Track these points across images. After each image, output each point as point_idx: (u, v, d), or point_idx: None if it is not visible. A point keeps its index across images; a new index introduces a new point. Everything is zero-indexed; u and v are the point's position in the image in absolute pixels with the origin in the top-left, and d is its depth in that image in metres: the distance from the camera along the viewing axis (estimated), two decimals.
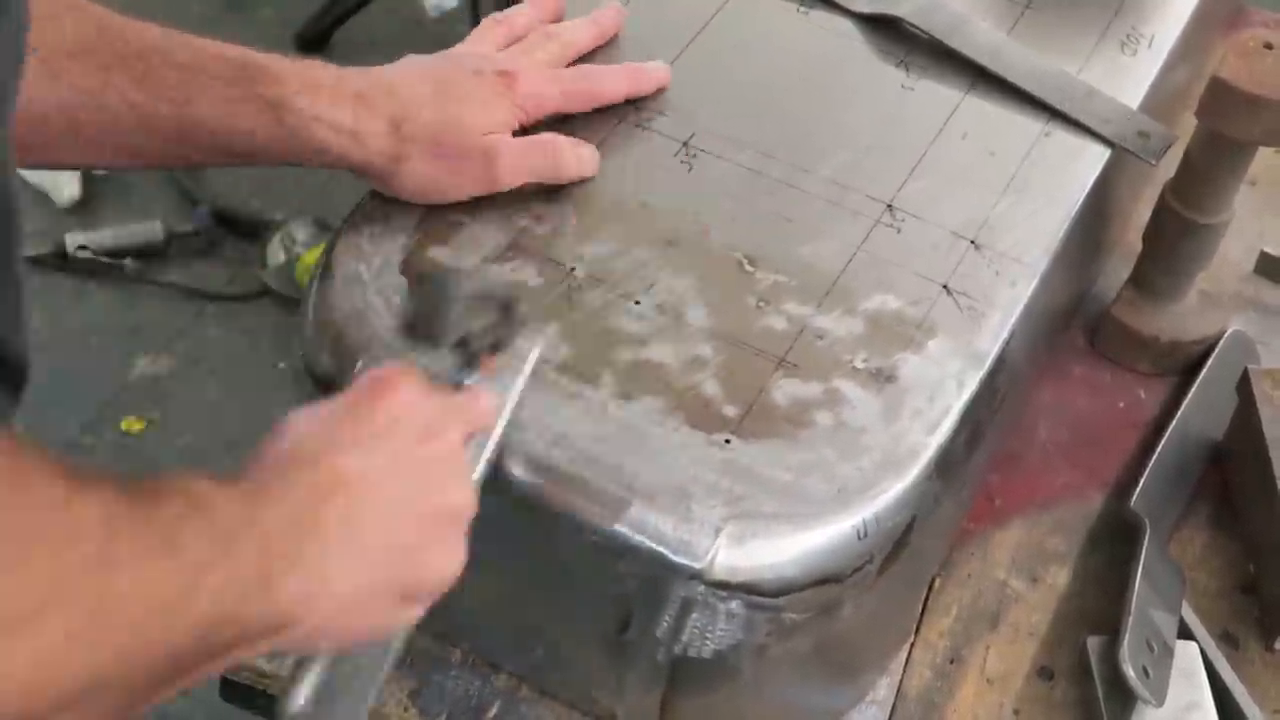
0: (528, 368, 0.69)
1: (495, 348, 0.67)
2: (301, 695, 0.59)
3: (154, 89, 0.74)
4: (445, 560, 0.61)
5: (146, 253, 2.15)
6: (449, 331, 0.65)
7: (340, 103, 0.76)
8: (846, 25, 0.93)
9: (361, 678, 0.62)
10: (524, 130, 0.82)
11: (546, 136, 0.82)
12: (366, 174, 0.79)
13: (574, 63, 0.87)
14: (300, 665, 0.59)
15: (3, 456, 0.45)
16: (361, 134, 0.77)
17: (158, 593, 0.49)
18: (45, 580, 0.45)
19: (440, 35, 2.47)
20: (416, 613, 0.61)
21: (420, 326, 0.67)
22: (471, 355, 0.66)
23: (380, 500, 0.58)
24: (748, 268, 0.79)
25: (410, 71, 0.81)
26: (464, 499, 0.62)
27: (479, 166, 0.79)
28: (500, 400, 0.66)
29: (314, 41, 2.45)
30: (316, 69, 0.78)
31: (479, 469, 0.65)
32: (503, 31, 0.86)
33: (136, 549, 0.48)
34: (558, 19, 0.89)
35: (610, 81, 0.86)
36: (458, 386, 0.66)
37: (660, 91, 0.87)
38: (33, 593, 0.44)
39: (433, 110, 0.78)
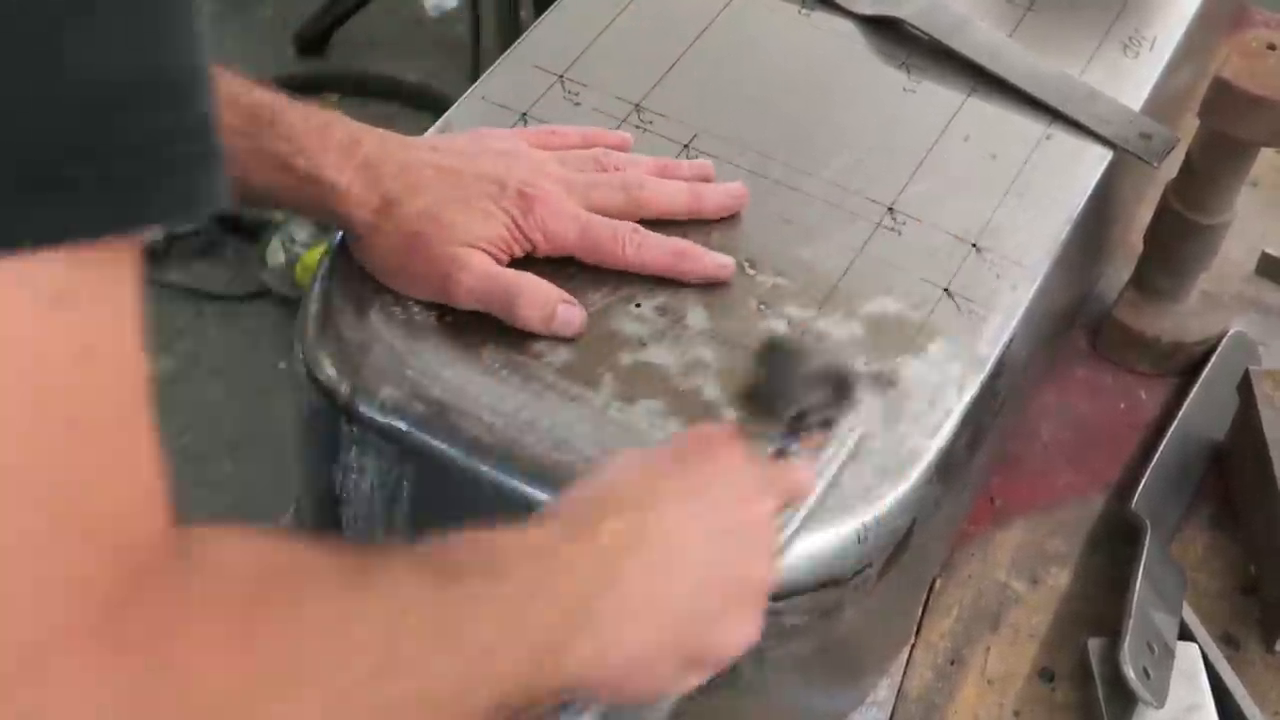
0: (847, 449, 0.67)
1: (825, 425, 0.65)
2: None
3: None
4: (739, 631, 0.58)
5: (146, 253, 2.15)
6: (790, 406, 0.64)
7: (344, 168, 0.74)
8: (848, 27, 0.93)
9: None
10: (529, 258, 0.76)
11: (515, 281, 0.74)
12: (345, 231, 0.77)
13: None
14: (569, 710, 0.57)
15: (279, 570, 0.42)
16: (352, 199, 0.74)
17: (441, 689, 0.47)
18: (329, 698, 0.42)
19: (440, 35, 2.47)
20: (699, 679, 0.59)
21: (764, 397, 0.66)
22: (802, 429, 0.64)
23: (687, 561, 0.56)
24: (748, 270, 0.79)
25: (435, 154, 0.76)
26: (767, 571, 0.60)
27: (438, 275, 0.73)
28: (816, 478, 0.65)
29: (314, 41, 2.45)
30: (333, 127, 0.74)
31: (781, 544, 0.62)
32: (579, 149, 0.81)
33: (424, 648, 0.46)
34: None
35: (653, 253, 0.77)
36: (778, 454, 0.64)
37: (729, 218, 0.81)
38: (312, 713, 0.42)
39: (428, 203, 0.74)
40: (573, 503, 0.57)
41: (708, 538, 0.57)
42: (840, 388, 0.66)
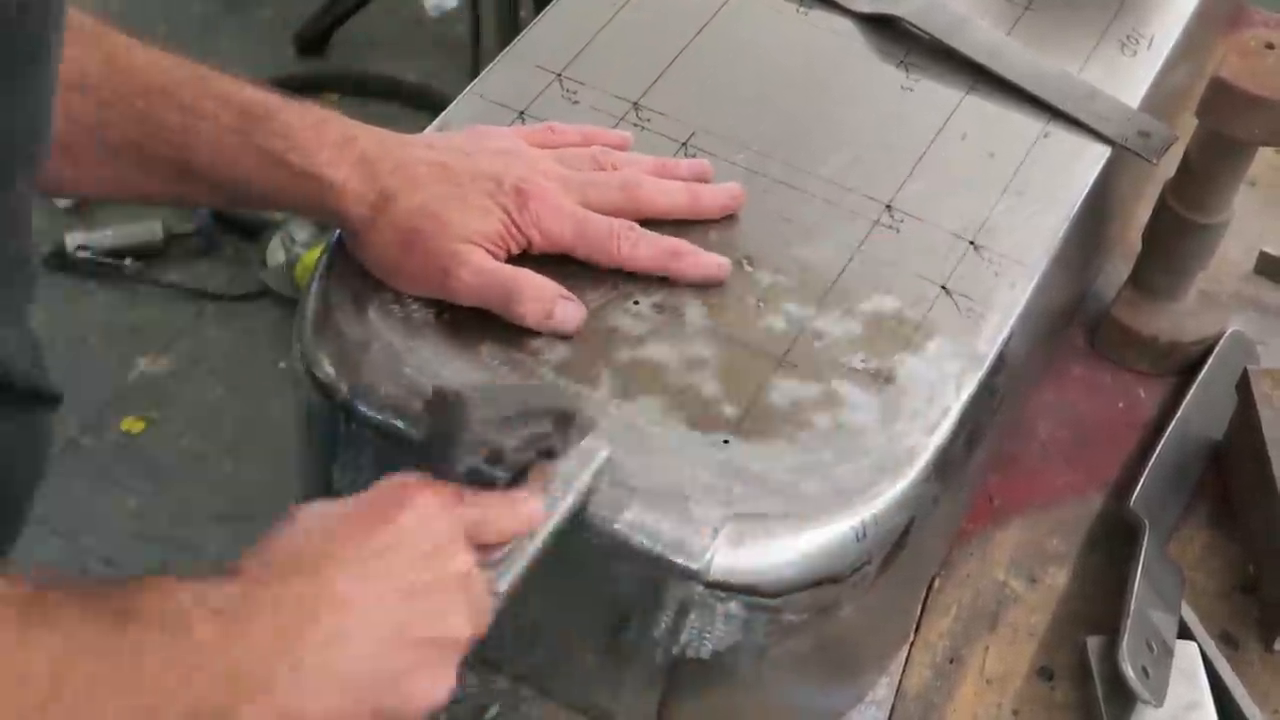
0: (587, 474, 0.66)
1: (548, 455, 0.65)
2: None
3: (154, 129, 0.73)
4: (430, 688, 0.59)
5: (146, 253, 2.16)
6: (462, 455, 0.62)
7: (339, 164, 0.74)
8: (846, 25, 0.93)
9: None
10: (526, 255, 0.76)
11: (514, 277, 0.74)
12: (342, 228, 0.77)
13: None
14: None
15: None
16: (349, 196, 0.74)
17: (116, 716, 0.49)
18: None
19: (440, 35, 2.47)
20: None
21: (435, 448, 0.63)
22: (516, 465, 0.63)
23: (369, 626, 0.56)
24: (746, 267, 0.79)
25: (431, 151, 0.76)
26: (462, 628, 0.59)
27: (436, 271, 0.73)
28: (546, 509, 0.64)
29: (314, 41, 2.45)
30: (329, 123, 0.75)
31: (509, 578, 0.62)
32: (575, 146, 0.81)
33: (90, 688, 0.48)
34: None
35: (649, 251, 0.77)
36: (481, 483, 0.63)
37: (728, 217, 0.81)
38: None
39: (425, 199, 0.74)
40: (255, 564, 0.57)
41: (390, 600, 0.57)
42: (558, 420, 0.64)
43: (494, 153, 0.77)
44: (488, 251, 0.74)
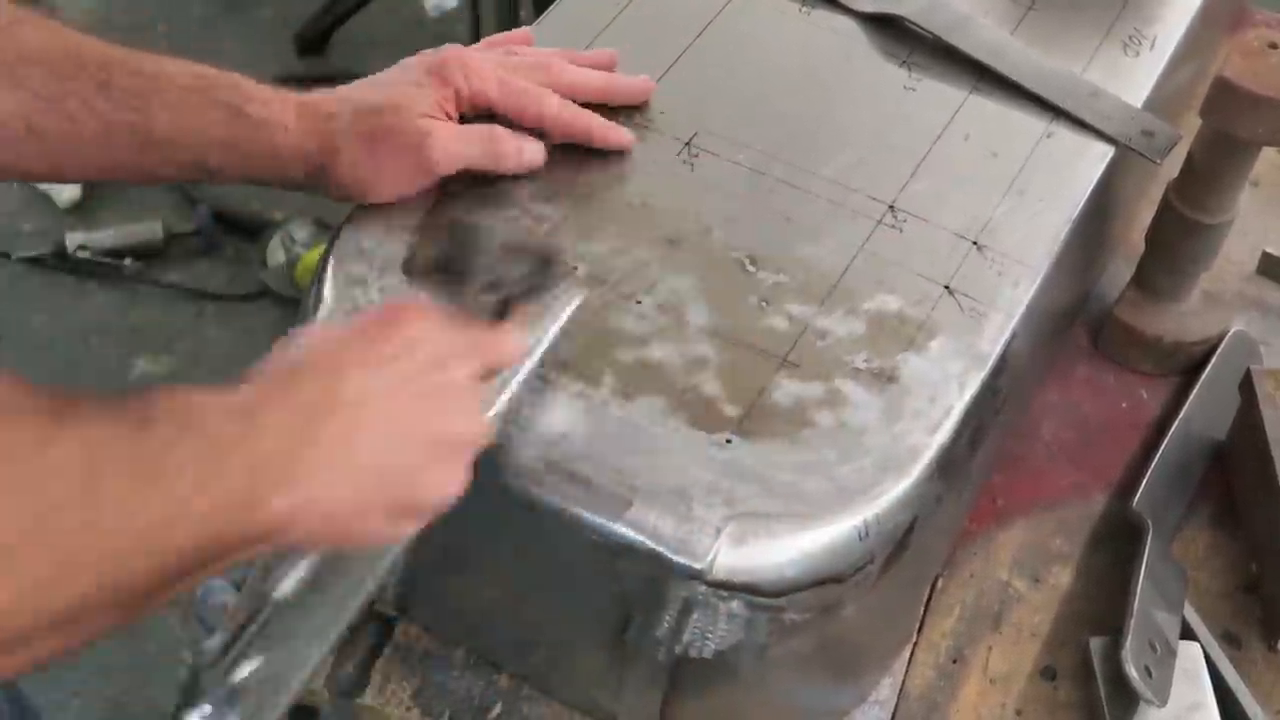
0: (564, 314, 0.70)
1: (529, 295, 0.68)
2: (287, 584, 0.59)
3: (115, 95, 0.75)
4: (443, 482, 0.62)
5: (146, 253, 2.15)
6: (476, 276, 0.66)
7: (286, 107, 0.77)
8: (849, 25, 0.93)
9: (350, 580, 0.62)
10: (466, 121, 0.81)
11: (485, 125, 0.80)
12: (315, 181, 0.79)
13: None
14: (288, 556, 0.60)
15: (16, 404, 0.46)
16: (298, 131, 0.77)
17: (143, 523, 0.50)
18: (26, 518, 0.46)
19: (441, 35, 2.47)
20: (410, 529, 0.62)
21: (449, 268, 0.67)
22: (503, 302, 0.67)
23: (380, 420, 0.59)
24: (749, 267, 0.78)
25: (360, 80, 0.81)
26: (470, 429, 0.63)
27: (411, 150, 0.77)
28: (529, 342, 0.68)
29: (314, 41, 2.45)
30: (272, 88, 0.78)
31: (497, 405, 0.66)
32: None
33: (121, 481, 0.50)
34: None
35: (568, 114, 0.82)
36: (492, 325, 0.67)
37: (643, 105, 0.85)
38: (10, 531, 0.46)
39: (363, 94, 0.78)
40: (266, 374, 0.59)
41: (401, 398, 0.60)
42: (541, 262, 0.69)
43: (419, 56, 0.82)
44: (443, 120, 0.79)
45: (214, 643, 0.57)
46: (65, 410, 0.50)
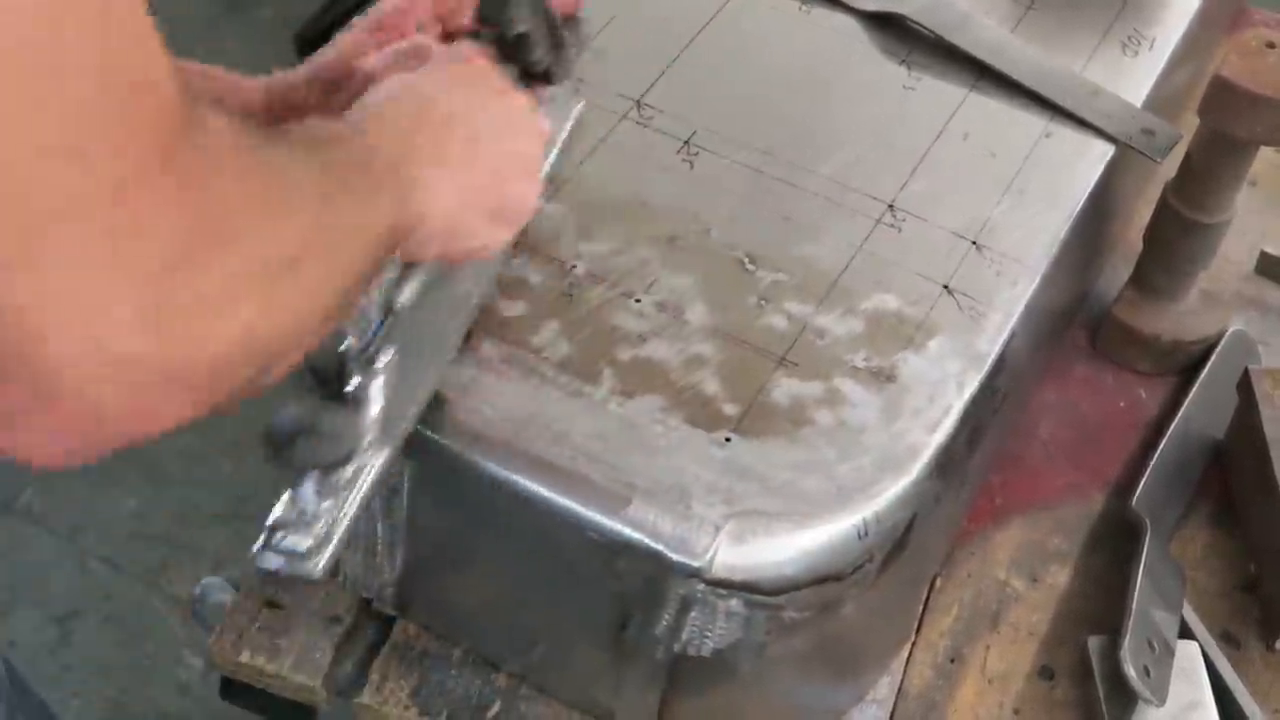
0: (574, 115, 0.77)
1: (548, 77, 0.71)
2: (406, 292, 0.66)
3: None
4: (524, 192, 0.69)
5: None
6: (514, 23, 0.69)
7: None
8: (848, 24, 0.93)
9: (457, 290, 0.71)
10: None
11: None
12: None
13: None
14: (408, 268, 0.66)
15: (228, 133, 0.49)
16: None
17: (355, 217, 0.56)
18: (300, 221, 0.51)
19: None
20: (505, 235, 0.68)
21: (489, 10, 0.70)
22: (530, 71, 0.70)
23: (467, 133, 0.65)
24: (748, 266, 0.79)
25: None
26: (537, 149, 0.70)
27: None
28: (554, 125, 0.73)
29: (314, 41, 2.44)
30: None
31: (545, 166, 0.72)
32: None
33: (334, 188, 0.54)
34: None
35: None
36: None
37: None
38: (297, 234, 0.50)
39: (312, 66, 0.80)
40: (357, 111, 0.64)
41: (477, 115, 0.66)
42: (559, 42, 0.72)
43: None
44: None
45: (352, 341, 0.63)
46: (282, 135, 0.55)
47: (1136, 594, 0.83)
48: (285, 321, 0.50)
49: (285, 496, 0.64)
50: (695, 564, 0.67)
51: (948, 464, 0.73)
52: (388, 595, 0.81)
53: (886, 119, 0.88)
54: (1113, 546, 0.91)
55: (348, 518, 0.63)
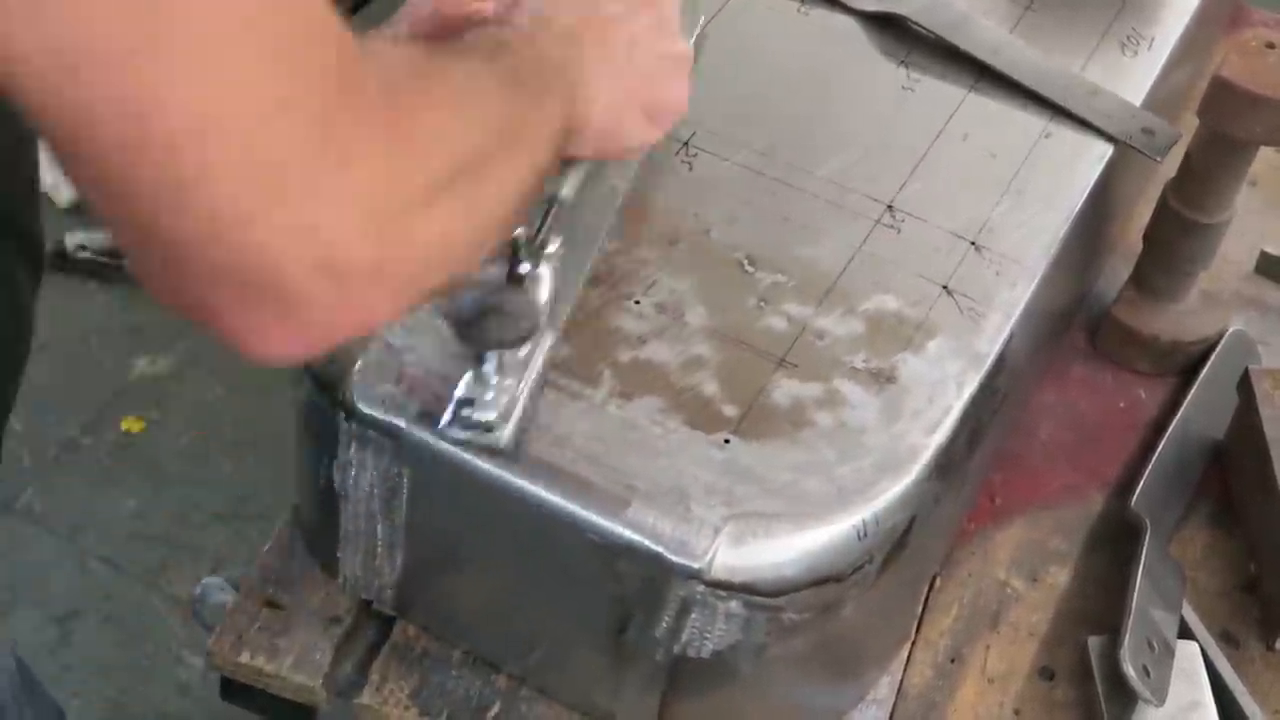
0: (700, 23, 0.83)
1: None
2: (569, 185, 0.71)
3: None
4: (677, 91, 0.74)
5: None
6: None
7: None
8: (847, 25, 0.93)
9: (608, 185, 0.78)
10: None
11: None
12: None
13: None
14: (569, 164, 0.71)
15: (400, 54, 0.55)
16: None
17: (532, 118, 0.60)
18: (486, 125, 0.55)
19: None
20: (657, 133, 0.73)
21: None
22: None
23: (623, 36, 0.70)
24: (748, 267, 0.79)
25: None
26: (684, 49, 0.75)
27: None
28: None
29: None
30: None
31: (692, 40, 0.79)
32: None
33: (511, 92, 0.59)
34: None
35: None
36: None
37: None
38: (485, 137, 0.55)
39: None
40: (518, 20, 0.67)
41: (631, 25, 0.71)
42: None
43: None
44: None
45: (523, 231, 0.68)
46: (457, 49, 0.60)
47: (1136, 594, 0.83)
48: (479, 218, 0.54)
49: (468, 375, 0.69)
50: (695, 565, 0.67)
51: (947, 465, 0.74)
52: (387, 597, 0.81)
53: (885, 120, 0.88)
54: (1113, 546, 0.91)
55: (525, 394, 0.69)
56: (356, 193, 0.47)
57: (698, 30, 0.84)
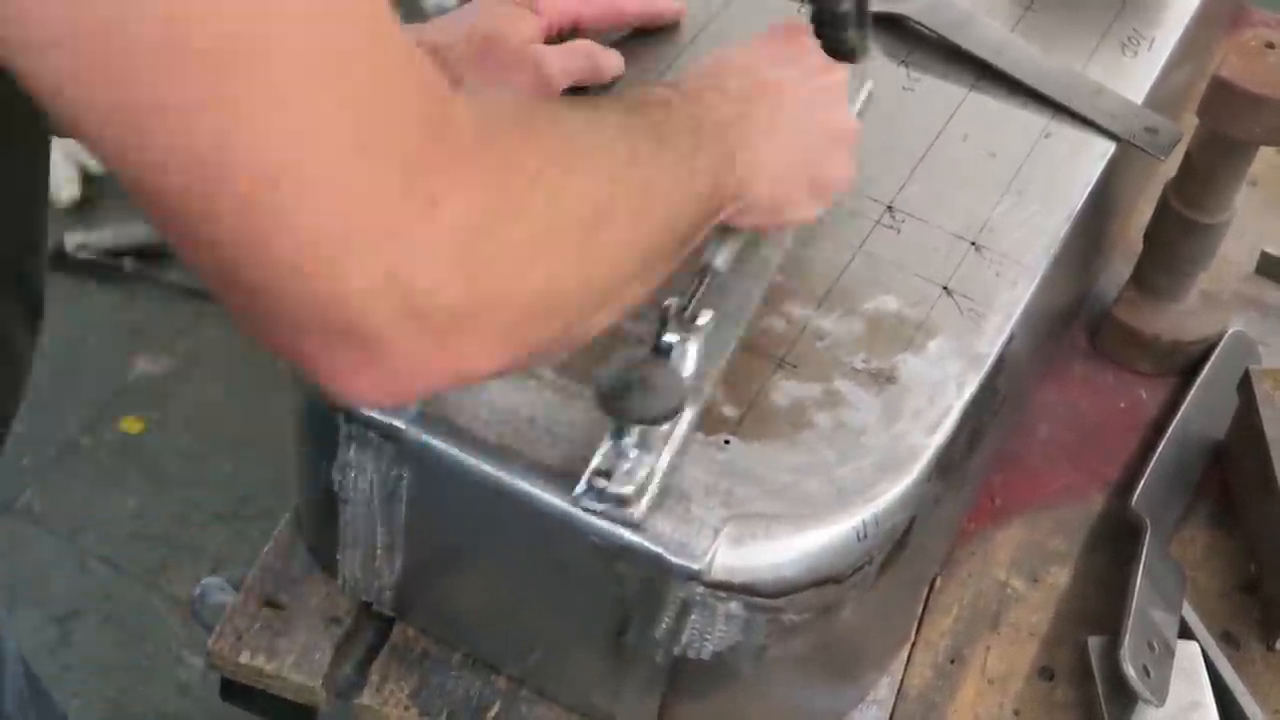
0: (867, 89, 0.84)
1: (852, 55, 0.71)
2: (723, 255, 0.71)
3: None
4: (842, 167, 0.73)
5: (146, 253, 2.15)
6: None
7: None
8: None
9: (762, 255, 0.77)
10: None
11: (582, 41, 0.85)
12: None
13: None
14: (725, 233, 0.70)
15: (505, 103, 0.54)
16: None
17: (671, 175, 0.59)
18: (606, 177, 0.54)
19: None
20: (820, 207, 0.73)
21: None
22: (835, 51, 0.71)
23: (795, 104, 0.70)
24: None
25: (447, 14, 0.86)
26: (852, 123, 0.74)
27: (530, 72, 0.81)
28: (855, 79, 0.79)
29: None
30: None
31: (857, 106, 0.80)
32: None
33: (649, 147, 0.58)
34: None
35: (631, 3, 0.89)
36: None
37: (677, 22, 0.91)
38: (602, 189, 0.53)
39: (468, 31, 0.82)
40: (694, 76, 0.69)
41: (806, 89, 0.71)
42: (863, 10, 0.70)
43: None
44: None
45: (674, 300, 0.68)
46: (586, 101, 0.64)
47: (1136, 594, 0.83)
48: (594, 273, 0.53)
49: (606, 445, 0.68)
50: (695, 566, 0.67)
51: (947, 465, 0.73)
52: (387, 598, 0.81)
53: (885, 120, 0.87)
54: (1113, 546, 0.91)
55: (662, 469, 0.68)
56: (444, 238, 0.45)
57: (863, 97, 0.84)
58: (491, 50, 0.81)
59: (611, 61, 0.86)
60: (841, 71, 0.73)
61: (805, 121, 0.70)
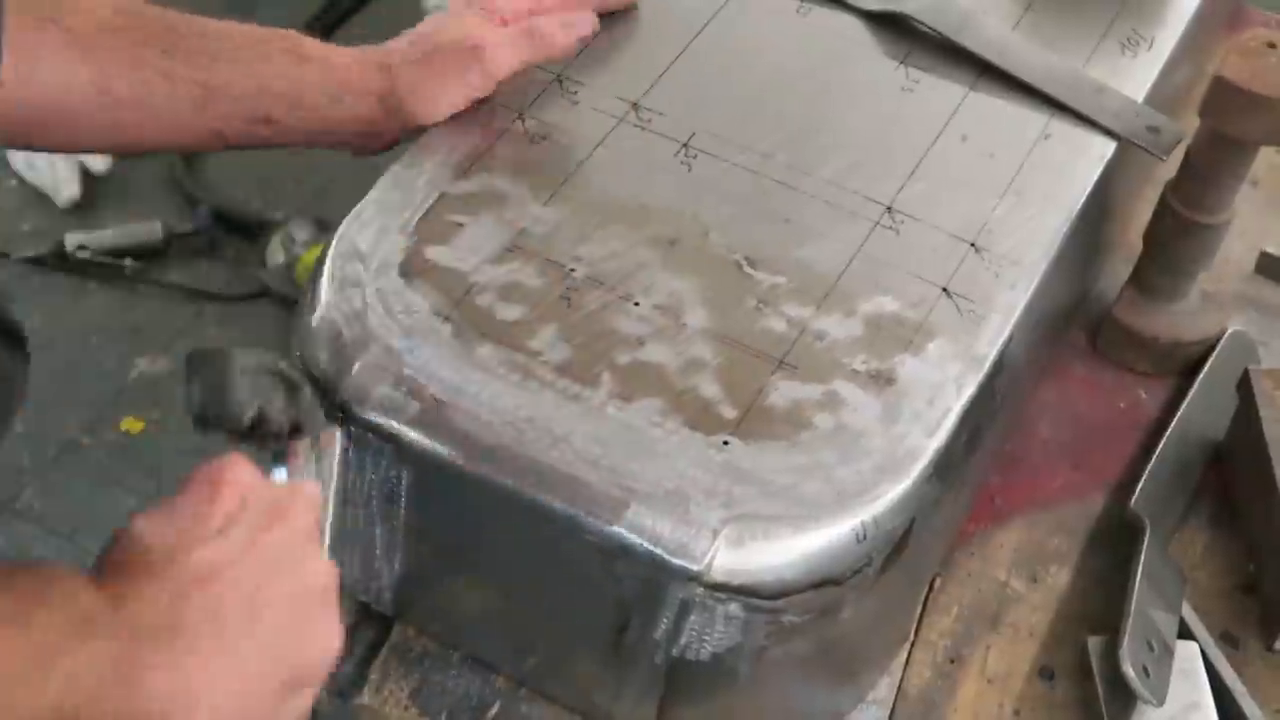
0: (336, 450, 0.69)
1: (295, 432, 0.64)
2: None
3: (183, 54, 0.80)
4: (322, 638, 0.59)
5: (146, 253, 2.15)
6: (243, 410, 0.62)
7: (344, 51, 0.85)
8: (846, 25, 0.93)
9: None
10: None
11: (523, 23, 0.86)
12: (378, 116, 0.84)
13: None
14: None
15: None
16: (360, 67, 0.84)
17: (7, 664, 0.49)
18: None
19: None
20: (307, 701, 0.58)
21: (213, 411, 0.63)
22: (277, 441, 0.63)
23: (240, 589, 0.55)
24: (747, 269, 0.78)
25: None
26: (325, 574, 0.59)
27: (466, 59, 0.83)
28: (320, 487, 0.65)
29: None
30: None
31: (324, 549, 0.63)
32: None
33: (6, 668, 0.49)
34: None
35: None
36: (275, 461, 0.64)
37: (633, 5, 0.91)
38: None
39: (414, 31, 0.86)
40: (107, 576, 0.55)
41: (251, 562, 0.57)
42: (289, 388, 0.64)
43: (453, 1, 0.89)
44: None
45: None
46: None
47: (1136, 594, 0.83)
48: None
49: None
50: (694, 568, 0.67)
51: (947, 467, 0.73)
52: (386, 599, 0.81)
53: (885, 121, 0.88)
54: (1112, 547, 0.91)
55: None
56: None
57: (334, 457, 0.70)
58: (433, 44, 0.84)
59: (561, 37, 0.87)
60: (300, 498, 0.61)
61: (259, 602, 0.56)
